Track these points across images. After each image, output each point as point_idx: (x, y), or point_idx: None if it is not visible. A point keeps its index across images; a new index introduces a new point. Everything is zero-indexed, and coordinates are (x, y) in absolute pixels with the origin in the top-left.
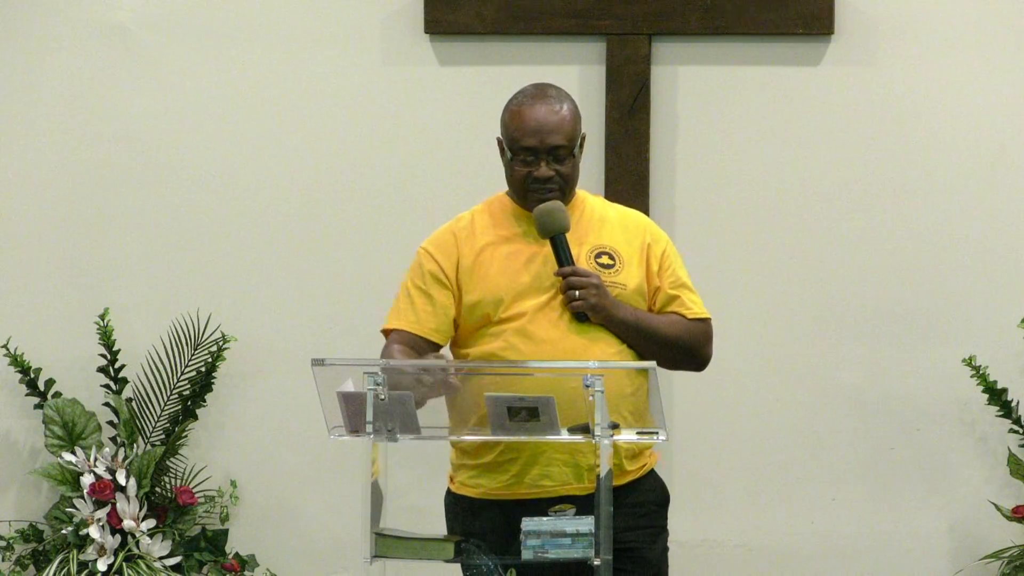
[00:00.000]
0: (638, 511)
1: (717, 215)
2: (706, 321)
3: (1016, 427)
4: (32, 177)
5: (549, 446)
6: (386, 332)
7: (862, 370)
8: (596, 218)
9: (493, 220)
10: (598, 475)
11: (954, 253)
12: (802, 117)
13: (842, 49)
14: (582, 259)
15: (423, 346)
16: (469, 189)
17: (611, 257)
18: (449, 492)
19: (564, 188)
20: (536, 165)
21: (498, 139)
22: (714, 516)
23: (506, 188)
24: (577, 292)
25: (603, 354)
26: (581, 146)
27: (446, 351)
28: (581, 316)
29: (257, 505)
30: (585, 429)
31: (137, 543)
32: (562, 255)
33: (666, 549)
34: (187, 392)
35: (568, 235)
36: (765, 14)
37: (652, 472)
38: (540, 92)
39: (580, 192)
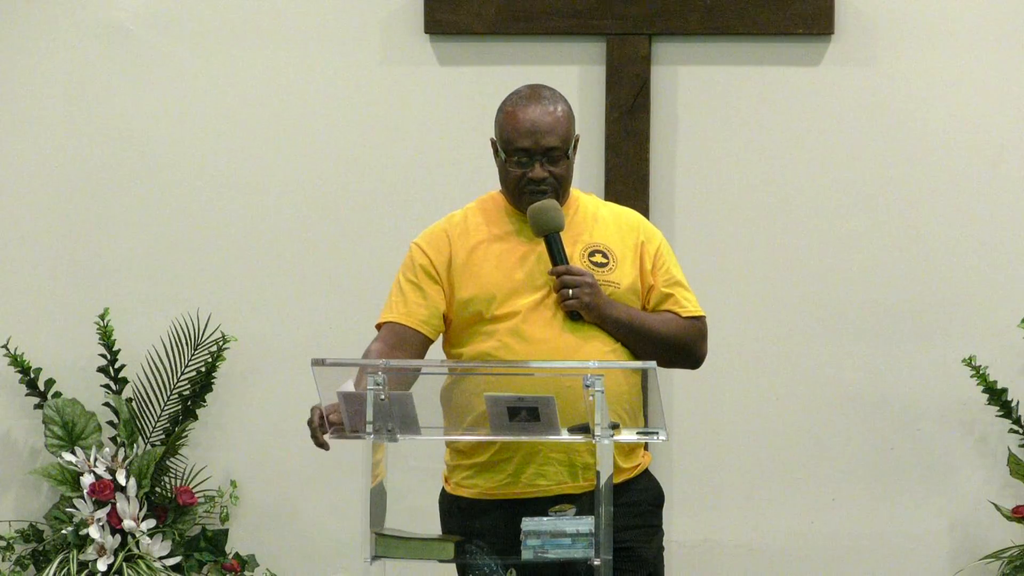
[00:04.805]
0: (633, 510)
1: (717, 215)
2: (700, 319)
3: (1016, 427)
4: (32, 177)
5: (544, 445)
6: (379, 327)
7: (862, 370)
8: (589, 216)
9: (486, 218)
10: (597, 474)
11: (954, 253)
12: (802, 117)
13: (842, 49)
14: (576, 258)
15: (412, 338)
16: (469, 189)
17: (604, 255)
18: (444, 492)
19: (558, 189)
20: (530, 166)
21: (492, 140)
22: (714, 516)
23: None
24: (571, 291)
25: (597, 353)
26: (575, 147)
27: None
28: (574, 315)
29: (257, 505)
30: (585, 429)
31: (137, 543)
32: (556, 254)
33: (662, 548)
34: (187, 392)
35: (562, 234)
36: (765, 14)
37: (647, 472)
38: (534, 93)
39: (573, 191)
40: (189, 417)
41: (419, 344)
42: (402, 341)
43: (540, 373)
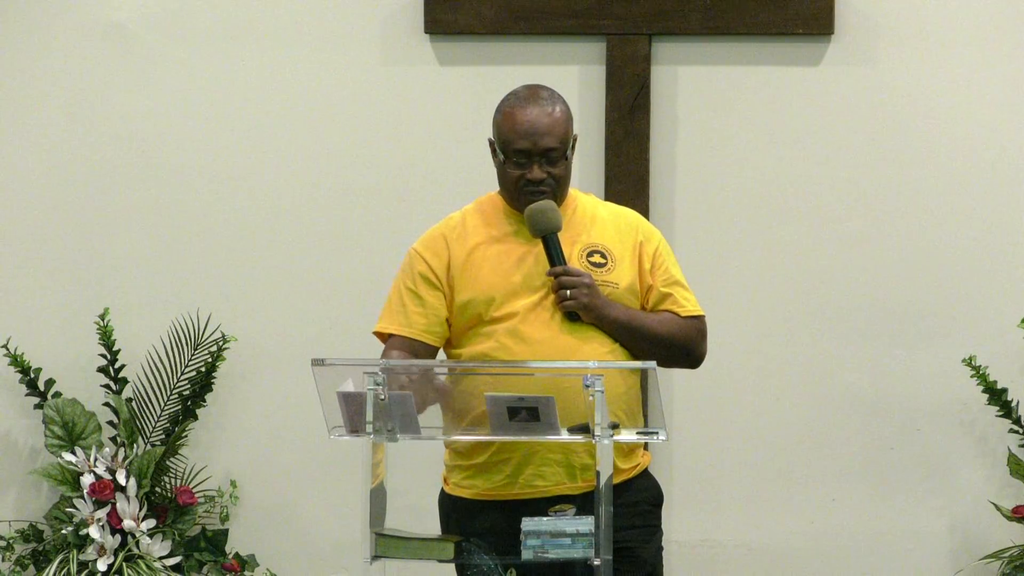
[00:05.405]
0: (633, 510)
1: (717, 215)
2: (699, 318)
3: (1016, 427)
4: (32, 177)
5: (543, 445)
6: (378, 334)
7: (862, 370)
8: (588, 217)
9: (484, 219)
10: (597, 474)
11: (954, 253)
12: (802, 117)
13: (842, 49)
14: (574, 258)
15: (419, 349)
16: (469, 189)
17: (603, 256)
18: (443, 493)
19: (556, 190)
20: (528, 167)
21: (489, 140)
22: (714, 516)
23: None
24: (568, 292)
25: (595, 353)
26: (573, 147)
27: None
28: (573, 316)
29: (257, 505)
30: (584, 429)
31: (137, 543)
32: (554, 254)
33: (661, 548)
34: (187, 392)
35: (560, 234)
36: (765, 14)
37: (646, 471)
38: (532, 94)
39: (572, 191)
40: (189, 417)
41: (427, 356)
42: (412, 355)
43: (540, 373)
